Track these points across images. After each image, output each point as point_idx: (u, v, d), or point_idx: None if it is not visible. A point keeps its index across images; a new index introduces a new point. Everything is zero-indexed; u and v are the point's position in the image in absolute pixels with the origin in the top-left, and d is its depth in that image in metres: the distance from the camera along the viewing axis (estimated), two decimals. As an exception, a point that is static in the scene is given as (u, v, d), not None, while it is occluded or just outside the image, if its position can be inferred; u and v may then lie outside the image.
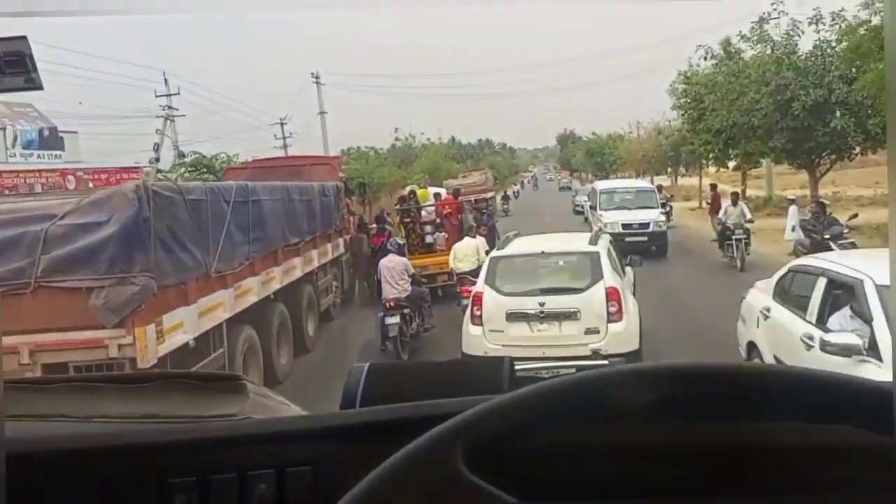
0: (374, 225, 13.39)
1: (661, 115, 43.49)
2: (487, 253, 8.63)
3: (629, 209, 17.81)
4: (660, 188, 24.53)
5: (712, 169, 34.42)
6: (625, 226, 16.68)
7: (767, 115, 18.01)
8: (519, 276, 7.23)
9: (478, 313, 6.87)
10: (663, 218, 17.66)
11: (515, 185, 71.60)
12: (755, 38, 19.08)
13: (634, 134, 50.95)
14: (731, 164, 26.87)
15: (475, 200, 36.82)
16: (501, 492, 0.49)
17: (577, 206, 32.50)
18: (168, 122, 24.05)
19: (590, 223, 20.08)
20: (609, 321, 6.56)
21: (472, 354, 6.52)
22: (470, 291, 7.67)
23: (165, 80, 25.14)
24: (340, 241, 12.54)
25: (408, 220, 12.80)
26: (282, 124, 35.19)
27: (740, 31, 19.80)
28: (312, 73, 32.81)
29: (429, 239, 12.64)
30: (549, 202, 44.05)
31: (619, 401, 0.53)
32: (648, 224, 16.86)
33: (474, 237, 10.91)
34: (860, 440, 0.57)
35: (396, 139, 68.42)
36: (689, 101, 26.14)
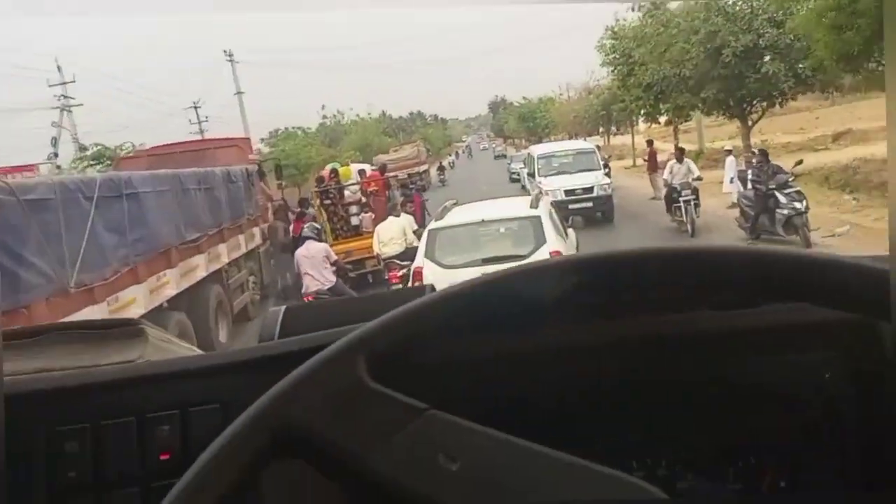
0: (298, 210, 12.18)
1: (590, 74, 43.49)
2: (416, 232, 8.03)
3: (570, 173, 15.90)
4: (598, 148, 23.86)
5: (643, 126, 34.43)
6: (567, 192, 14.62)
7: (698, 65, 17.50)
8: (460, 247, 6.89)
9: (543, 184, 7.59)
10: (608, 180, 15.44)
11: (450, 155, 71.12)
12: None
13: (565, 96, 50.65)
14: (663, 119, 26.54)
15: (409, 175, 36.28)
16: (411, 399, 0.47)
17: (514, 173, 31.51)
18: (64, 112, 21.78)
19: (527, 191, 19.17)
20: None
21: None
22: (399, 277, 7.66)
23: (58, 67, 22.70)
24: (257, 230, 11.30)
25: (328, 201, 11.50)
26: (196, 108, 32.98)
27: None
28: (225, 51, 30.37)
29: (354, 221, 11.52)
30: (484, 171, 43.23)
31: (537, 298, 0.51)
32: (592, 188, 14.77)
33: (398, 216, 9.76)
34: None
35: (324, 117, 66.69)
36: (617, 56, 25.63)
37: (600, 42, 26.56)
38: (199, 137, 34.42)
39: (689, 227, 12.01)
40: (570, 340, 0.66)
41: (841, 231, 10.53)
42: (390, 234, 9.09)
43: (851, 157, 16.15)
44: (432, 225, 7.30)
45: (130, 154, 13.75)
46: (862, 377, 0.66)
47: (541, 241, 6.63)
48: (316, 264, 7.98)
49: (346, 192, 11.80)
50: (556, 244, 6.61)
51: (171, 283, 7.28)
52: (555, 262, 0.53)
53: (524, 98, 72.97)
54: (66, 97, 22.33)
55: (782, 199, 9.84)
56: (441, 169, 41.58)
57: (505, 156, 50.94)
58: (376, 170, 13.25)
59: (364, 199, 11.66)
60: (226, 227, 9.37)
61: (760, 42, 16.82)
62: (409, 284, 6.82)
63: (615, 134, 41.69)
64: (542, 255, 6.35)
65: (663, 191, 13.70)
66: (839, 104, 33.36)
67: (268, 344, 0.74)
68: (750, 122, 19.10)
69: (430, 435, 0.46)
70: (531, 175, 18.43)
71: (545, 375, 0.67)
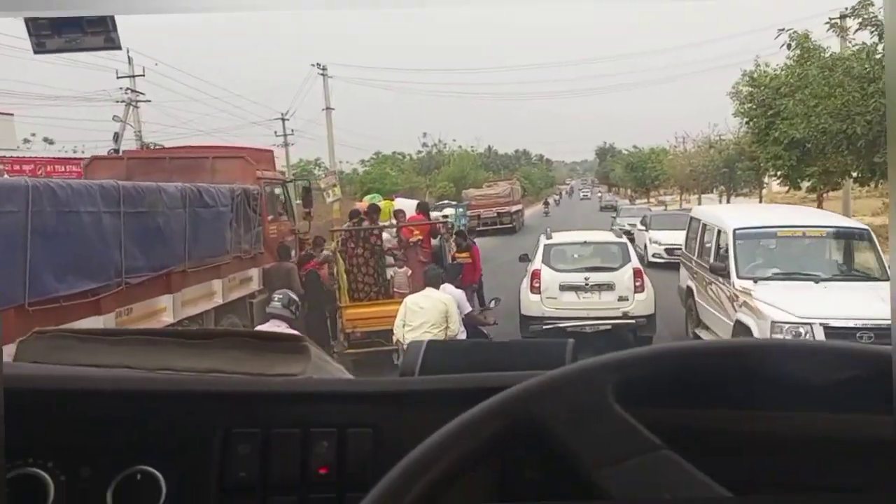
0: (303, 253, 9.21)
1: (712, 127, 39.17)
2: (468, 317, 5.94)
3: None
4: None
5: (775, 188, 29.78)
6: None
7: (872, 122, 13.37)
8: (566, 259, 9.11)
9: (536, 285, 8.59)
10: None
11: (556, 195, 75.71)
12: (859, 19, 14.39)
13: (681, 147, 46.14)
14: (804, 185, 22.07)
15: (498, 214, 33.30)
16: (650, 433, 0.48)
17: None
18: (131, 107, 20.39)
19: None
20: (635, 292, 8.55)
21: (530, 316, 8.54)
22: None
23: (129, 58, 21.45)
24: (254, 273, 8.46)
25: (353, 245, 8.27)
26: (283, 119, 31.36)
27: (842, 13, 15.22)
28: (317, 65, 28.51)
29: (388, 275, 8.42)
30: (581, 218, 39.47)
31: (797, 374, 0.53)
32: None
33: (438, 286, 6.02)
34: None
35: (424, 144, 65.11)
36: (754, 106, 21.64)
37: (735, 88, 22.62)
38: (282, 153, 33.03)
39: None
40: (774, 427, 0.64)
41: None
42: (424, 316, 5.79)
43: None
44: (546, 241, 9.26)
45: (105, 155, 11.28)
46: None
47: (627, 259, 8.77)
48: None
49: (385, 236, 8.65)
50: (637, 264, 8.85)
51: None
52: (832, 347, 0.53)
53: (634, 146, 68.58)
54: (133, 91, 21.02)
55: None
56: (546, 203, 51.41)
57: (615, 208, 36.17)
58: (421, 211, 9.73)
59: (398, 250, 8.52)
60: (180, 268, 6.51)
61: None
62: (529, 279, 8.66)
63: (736, 195, 36.93)
64: (627, 269, 8.59)
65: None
66: None
67: (416, 378, 0.80)
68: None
69: (661, 471, 0.46)
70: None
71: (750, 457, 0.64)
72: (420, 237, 8.62)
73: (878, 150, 13.40)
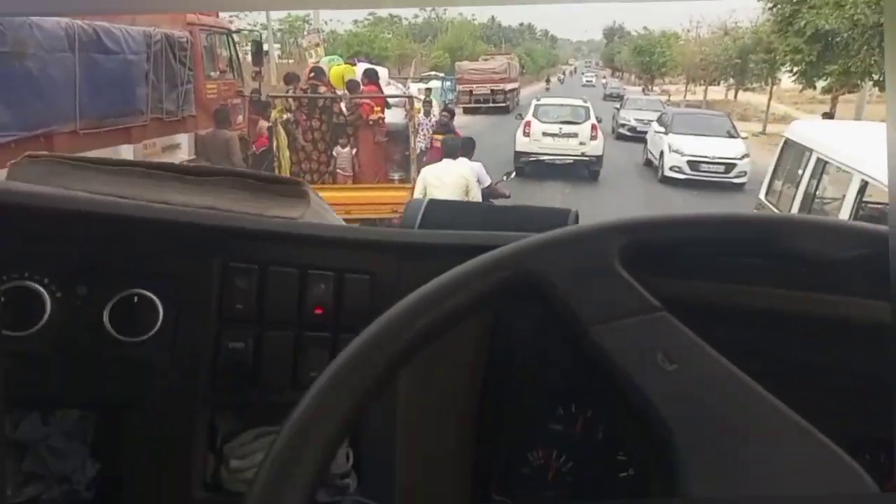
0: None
1: (729, 13, 36.38)
2: (490, 189, 6.11)
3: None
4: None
5: (786, 85, 27.98)
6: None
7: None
8: (549, 115, 13.49)
9: (527, 131, 13.02)
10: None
11: (560, 74, 74.70)
12: None
13: (693, 33, 43.28)
14: (820, 84, 20.44)
15: (492, 91, 31.20)
16: (650, 295, 0.48)
17: (625, 126, 20.32)
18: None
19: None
20: (591, 140, 12.78)
21: (521, 151, 12.82)
22: None
23: None
24: (183, 139, 7.21)
25: (303, 117, 6.80)
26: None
27: None
28: None
29: (336, 157, 7.13)
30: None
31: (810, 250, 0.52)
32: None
33: (457, 156, 5.69)
34: None
35: (421, 8, 60.92)
36: (782, -10, 19.59)
37: (763, -33, 20.35)
38: None
39: None
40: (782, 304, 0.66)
41: None
42: (446, 190, 5.50)
43: None
44: (536, 102, 14.24)
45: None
46: None
47: (588, 118, 13.28)
48: None
49: (339, 107, 7.20)
50: (594, 121, 13.28)
51: None
52: (852, 226, 0.52)
53: (645, 28, 64.77)
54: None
55: None
56: (548, 81, 53.07)
57: (621, 97, 30.07)
58: (369, 81, 7.61)
59: (351, 123, 7.13)
60: (68, 128, 5.28)
61: None
62: (523, 127, 13.26)
63: (745, 89, 34.99)
64: (587, 124, 13.01)
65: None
66: None
67: (416, 231, 0.80)
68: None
69: (657, 332, 0.46)
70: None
71: (750, 333, 0.66)
72: (381, 115, 7.25)
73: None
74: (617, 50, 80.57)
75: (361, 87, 7.37)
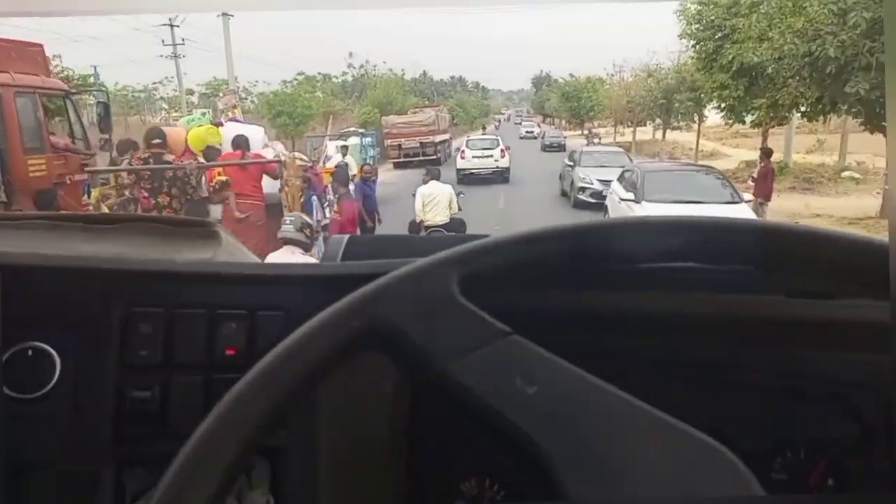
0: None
1: (650, 55, 37.04)
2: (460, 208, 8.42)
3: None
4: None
5: (713, 121, 28.02)
6: None
7: (846, 44, 11.16)
8: (475, 145, 22.22)
9: (463, 156, 21.52)
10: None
11: (492, 123, 76.13)
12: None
13: (618, 77, 43.92)
14: (749, 118, 20.17)
15: (421, 144, 30.27)
16: (497, 321, 0.49)
17: (586, 192, 14.82)
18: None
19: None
20: (501, 157, 21.37)
21: (460, 168, 21.18)
22: None
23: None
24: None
25: (125, 193, 5.44)
26: (172, 26, 26.95)
27: None
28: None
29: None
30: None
31: (630, 255, 0.53)
32: None
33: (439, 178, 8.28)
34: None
35: (350, 66, 60.40)
36: (702, 27, 19.40)
37: (683, 6, 20.19)
38: (171, 65, 28.66)
39: None
40: (641, 306, 0.67)
41: None
42: (437, 203, 8.12)
43: None
44: (467, 139, 23.83)
45: None
46: None
47: (498, 144, 22.12)
48: None
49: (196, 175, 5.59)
50: (503, 145, 22.36)
51: None
52: (661, 220, 0.53)
53: (571, 75, 66.04)
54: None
55: None
56: (484, 128, 55.63)
57: (561, 146, 33.39)
58: (238, 148, 6.42)
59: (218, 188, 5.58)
60: None
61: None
62: (461, 153, 22.14)
63: (672, 128, 35.27)
64: (499, 148, 21.86)
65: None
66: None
67: (330, 264, 0.78)
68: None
69: (511, 357, 0.47)
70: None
71: (608, 338, 0.68)
72: (223, 177, 5.68)
73: (851, 78, 11.22)
74: (546, 97, 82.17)
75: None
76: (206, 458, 0.40)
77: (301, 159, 7.08)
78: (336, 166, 8.43)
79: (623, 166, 13.19)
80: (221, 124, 6.78)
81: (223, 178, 5.56)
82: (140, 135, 7.06)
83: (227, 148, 6.17)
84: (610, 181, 12.35)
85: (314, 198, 7.22)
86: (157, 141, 5.59)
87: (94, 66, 25.33)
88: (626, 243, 0.51)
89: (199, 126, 6.16)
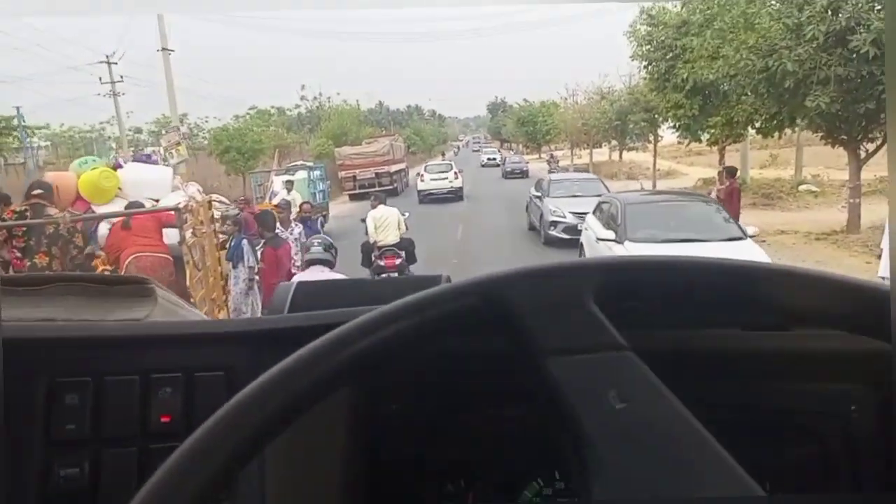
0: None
1: (602, 77, 37.25)
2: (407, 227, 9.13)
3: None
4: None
5: (668, 140, 28.03)
6: None
7: (806, 59, 10.84)
8: (432, 170, 27.03)
9: (422, 179, 25.98)
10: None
11: (451, 150, 77.02)
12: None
13: (571, 100, 44.10)
14: (704, 137, 20.02)
15: (376, 175, 29.55)
16: (618, 334, 0.49)
17: (558, 227, 13.19)
18: None
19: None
20: (455, 179, 25.89)
21: (420, 190, 25.54)
22: (395, 266, 8.51)
23: None
24: None
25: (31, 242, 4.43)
26: (109, 63, 25.80)
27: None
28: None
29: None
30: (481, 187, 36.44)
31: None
32: None
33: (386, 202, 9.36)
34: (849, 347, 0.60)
35: (303, 98, 59.53)
36: (653, 48, 19.24)
37: (633, 28, 20.05)
38: (109, 102, 27.44)
39: None
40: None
41: None
42: (388, 224, 8.88)
43: None
44: (427, 164, 29.71)
45: None
46: (886, 412, 0.64)
47: (453, 168, 27.07)
48: None
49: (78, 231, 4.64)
50: (457, 169, 27.14)
51: None
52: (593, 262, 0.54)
53: (525, 100, 66.42)
54: None
55: None
56: (443, 155, 54.96)
57: (523, 172, 36.44)
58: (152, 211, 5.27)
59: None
60: None
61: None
62: (419, 178, 26.52)
63: (627, 149, 35.29)
64: (453, 171, 26.46)
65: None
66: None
67: (277, 317, 0.74)
68: (862, 152, 12.50)
69: (615, 370, 0.46)
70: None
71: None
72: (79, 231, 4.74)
73: (811, 92, 10.88)
74: (502, 123, 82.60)
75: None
76: None
77: (220, 201, 6.22)
78: (261, 212, 7.54)
79: (599, 195, 11.72)
80: (120, 166, 5.86)
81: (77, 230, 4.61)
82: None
83: (128, 191, 5.25)
84: (585, 213, 10.86)
85: (244, 242, 6.35)
86: (38, 192, 4.70)
87: (17, 106, 24.00)
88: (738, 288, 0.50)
89: (94, 169, 5.25)
